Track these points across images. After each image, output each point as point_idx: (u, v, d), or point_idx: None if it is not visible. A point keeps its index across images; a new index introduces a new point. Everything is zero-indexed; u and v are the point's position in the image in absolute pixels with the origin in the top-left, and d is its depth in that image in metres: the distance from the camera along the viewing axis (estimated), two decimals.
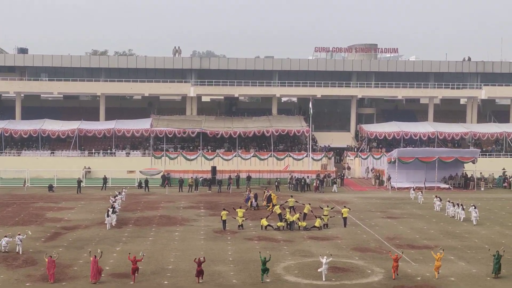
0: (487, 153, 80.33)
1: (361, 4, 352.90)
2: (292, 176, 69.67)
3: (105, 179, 67.63)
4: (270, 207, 51.51)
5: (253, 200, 54.53)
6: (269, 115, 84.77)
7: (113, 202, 50.05)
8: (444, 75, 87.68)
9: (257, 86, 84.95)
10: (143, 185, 67.39)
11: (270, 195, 54.39)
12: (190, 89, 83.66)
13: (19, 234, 37.58)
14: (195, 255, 33.97)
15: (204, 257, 32.46)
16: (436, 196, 55.54)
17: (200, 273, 31.06)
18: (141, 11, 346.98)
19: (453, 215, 50.24)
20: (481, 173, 71.52)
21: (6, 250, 36.94)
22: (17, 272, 32.80)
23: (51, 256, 31.54)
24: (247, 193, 57.74)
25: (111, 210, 46.18)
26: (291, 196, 53.24)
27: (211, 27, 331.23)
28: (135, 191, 65.72)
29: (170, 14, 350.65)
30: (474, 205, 48.55)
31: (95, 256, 31.42)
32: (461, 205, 49.89)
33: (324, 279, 31.47)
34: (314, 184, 67.58)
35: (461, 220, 48.62)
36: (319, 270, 31.89)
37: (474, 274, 33.14)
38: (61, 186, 67.91)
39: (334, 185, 67.64)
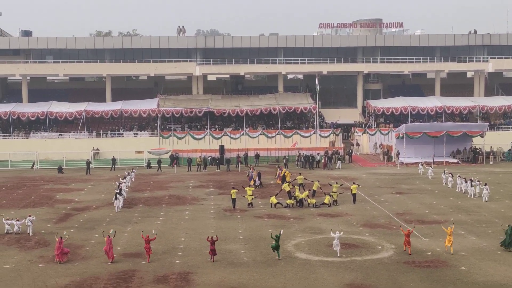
0: (495, 127, 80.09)
1: None
2: (300, 153, 69.68)
3: (114, 160, 67.82)
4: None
5: (257, 179, 54.38)
6: (276, 93, 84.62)
7: (120, 184, 49.58)
8: (450, 49, 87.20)
9: (263, 64, 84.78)
10: (157, 164, 67.19)
11: (285, 173, 54.14)
12: (196, 68, 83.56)
13: (29, 216, 37.82)
14: (206, 234, 34.18)
15: (216, 236, 32.60)
16: (444, 172, 55.41)
17: (213, 252, 31.18)
18: None
19: (464, 190, 49.75)
20: (491, 147, 71.28)
21: (19, 232, 37.25)
22: (30, 253, 33.09)
23: (61, 237, 31.73)
24: (250, 171, 57.77)
25: (118, 192, 45.82)
26: (300, 174, 53.31)
27: (215, 6, 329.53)
28: (144, 171, 65.92)
29: None
30: (485, 183, 47.80)
31: (109, 235, 31.59)
32: (471, 180, 49.49)
33: (338, 255, 31.58)
34: (323, 161, 67.60)
35: (471, 196, 48.13)
36: (333, 246, 31.89)
37: (485, 248, 33.18)
38: (70, 167, 68.19)
39: (339, 162, 67.54)
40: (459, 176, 52.00)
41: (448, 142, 68.26)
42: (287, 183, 48.67)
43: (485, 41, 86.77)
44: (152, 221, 40.68)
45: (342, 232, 32.93)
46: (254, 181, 53.90)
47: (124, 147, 72.73)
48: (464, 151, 71.25)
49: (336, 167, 66.53)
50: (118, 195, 44.99)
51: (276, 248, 31.54)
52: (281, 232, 32.91)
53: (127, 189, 50.59)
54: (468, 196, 48.37)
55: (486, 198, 46.39)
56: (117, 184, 50.08)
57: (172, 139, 75.23)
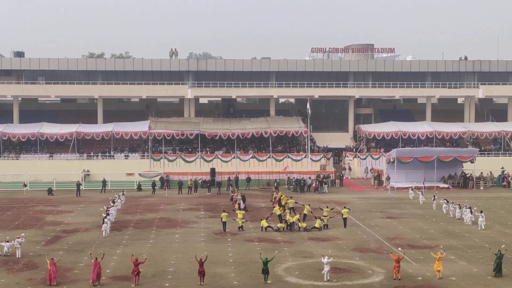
0: (486, 152, 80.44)
1: (357, 4, 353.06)
2: (288, 177, 69.62)
3: (104, 182, 67.52)
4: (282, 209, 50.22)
5: (241, 202, 54.09)
6: (267, 116, 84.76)
7: (107, 209, 48.25)
8: (441, 75, 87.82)
9: (255, 87, 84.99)
10: (151, 187, 66.88)
11: (281, 197, 53.74)
12: (188, 91, 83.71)
13: (18, 238, 37.54)
14: (196, 257, 33.93)
15: (206, 256, 32.45)
16: (434, 197, 55.49)
17: (201, 274, 31.03)
18: (136, 13, 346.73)
19: (459, 217, 49.29)
20: (481, 173, 71.48)
21: (8, 254, 36.96)
22: (18, 276, 32.79)
23: (53, 259, 31.53)
24: (235, 194, 57.64)
25: (105, 216, 44.77)
26: (291, 197, 53.21)
27: (208, 29, 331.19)
28: (134, 193, 65.68)
29: (166, 16, 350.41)
30: (481, 210, 47.18)
31: (96, 258, 31.41)
32: (469, 207, 48.30)
33: (326, 279, 31.47)
34: (314, 185, 67.57)
35: (467, 223, 47.39)
36: (322, 272, 31.84)
37: (475, 274, 33.17)
38: (60, 189, 67.87)
39: (325, 186, 67.43)
40: (453, 203, 51.64)
41: (438, 167, 68.46)
42: (278, 207, 48.57)
43: (476, 68, 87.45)
44: (142, 244, 40.45)
45: (331, 258, 32.70)
46: (239, 204, 53.67)
47: (115, 169, 72.49)
48: (455, 176, 71.44)
49: (323, 191, 66.47)
50: (105, 219, 44.25)
51: (265, 272, 31.39)
52: (275, 254, 32.79)
53: (115, 213, 49.53)
54: (464, 222, 47.77)
55: (483, 226, 45.48)
56: (105, 208, 49.30)
57: (163, 162, 75.07)
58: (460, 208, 49.71)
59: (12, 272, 33.54)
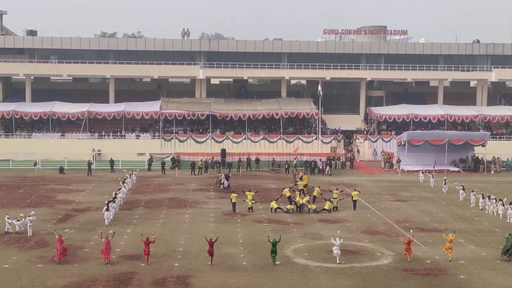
0: (497, 136, 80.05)
1: None
2: (274, 158, 69.28)
3: (112, 162, 67.47)
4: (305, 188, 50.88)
5: (225, 181, 54.14)
6: (278, 98, 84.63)
7: (115, 193, 46.67)
8: (453, 57, 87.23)
9: (266, 69, 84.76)
10: (160, 167, 67.14)
11: (301, 177, 53.95)
12: (199, 72, 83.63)
13: (29, 216, 37.84)
14: (207, 237, 34.14)
15: (217, 237, 32.67)
16: (445, 181, 55.33)
17: (211, 254, 31.26)
18: None
19: (481, 207, 46.74)
20: (494, 157, 70.76)
21: (20, 232, 37.32)
22: (29, 254, 33.13)
23: (61, 236, 31.79)
24: (219, 175, 57.81)
25: (110, 200, 42.64)
26: (300, 179, 53.26)
27: (220, 9, 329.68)
28: (145, 173, 65.94)
29: None
30: (510, 202, 44.09)
31: (107, 236, 31.67)
32: (500, 199, 45.28)
33: (338, 262, 31.55)
34: (321, 167, 67.47)
35: (490, 213, 45.20)
36: (334, 253, 31.87)
37: (484, 257, 33.18)
38: (71, 168, 68.25)
39: (328, 167, 67.23)
40: (473, 191, 49.23)
41: (449, 151, 68.21)
42: (287, 189, 48.64)
43: (489, 51, 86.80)
44: (152, 224, 40.71)
45: (342, 239, 32.83)
46: (223, 184, 53.87)
47: (126, 149, 72.76)
48: (466, 160, 71.18)
49: (326, 173, 66.45)
50: (109, 206, 41.21)
51: (274, 252, 31.50)
52: (280, 235, 32.95)
53: (123, 195, 48.68)
54: (487, 212, 45.64)
55: (511, 220, 42.75)
56: (114, 194, 46.93)
57: (174, 142, 75.22)
58: (483, 198, 47.14)
59: (24, 250, 33.89)
